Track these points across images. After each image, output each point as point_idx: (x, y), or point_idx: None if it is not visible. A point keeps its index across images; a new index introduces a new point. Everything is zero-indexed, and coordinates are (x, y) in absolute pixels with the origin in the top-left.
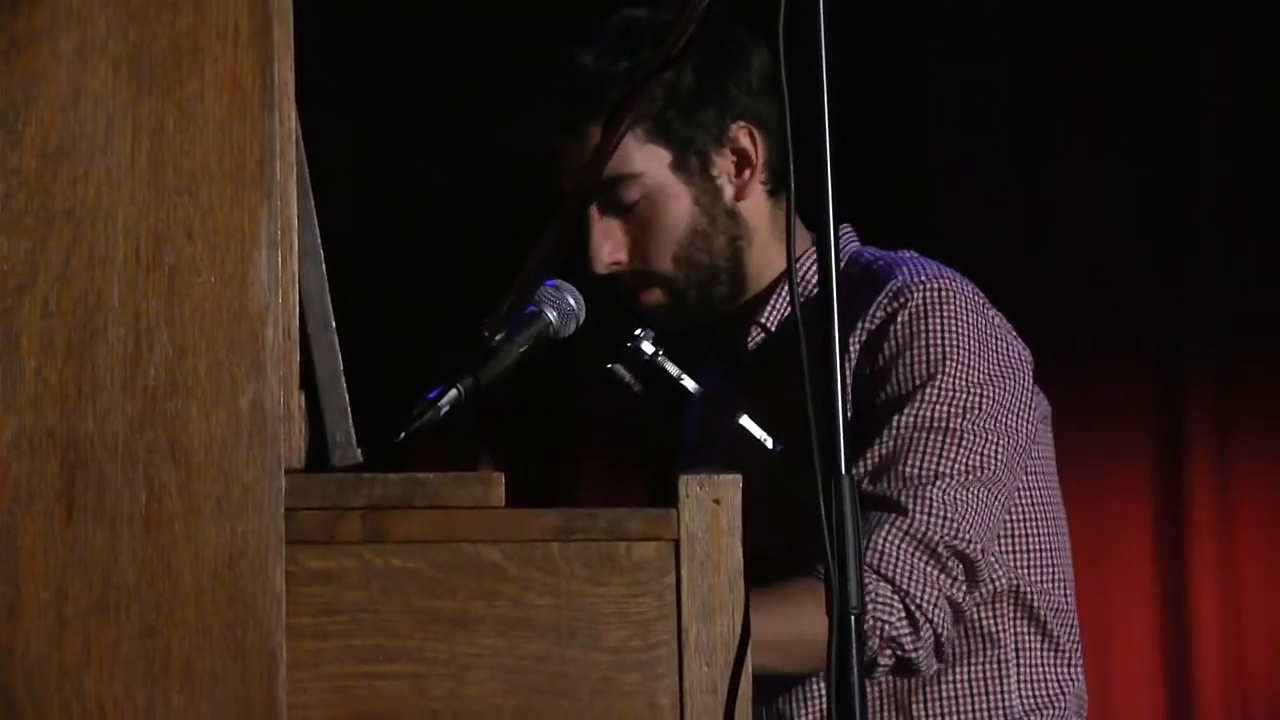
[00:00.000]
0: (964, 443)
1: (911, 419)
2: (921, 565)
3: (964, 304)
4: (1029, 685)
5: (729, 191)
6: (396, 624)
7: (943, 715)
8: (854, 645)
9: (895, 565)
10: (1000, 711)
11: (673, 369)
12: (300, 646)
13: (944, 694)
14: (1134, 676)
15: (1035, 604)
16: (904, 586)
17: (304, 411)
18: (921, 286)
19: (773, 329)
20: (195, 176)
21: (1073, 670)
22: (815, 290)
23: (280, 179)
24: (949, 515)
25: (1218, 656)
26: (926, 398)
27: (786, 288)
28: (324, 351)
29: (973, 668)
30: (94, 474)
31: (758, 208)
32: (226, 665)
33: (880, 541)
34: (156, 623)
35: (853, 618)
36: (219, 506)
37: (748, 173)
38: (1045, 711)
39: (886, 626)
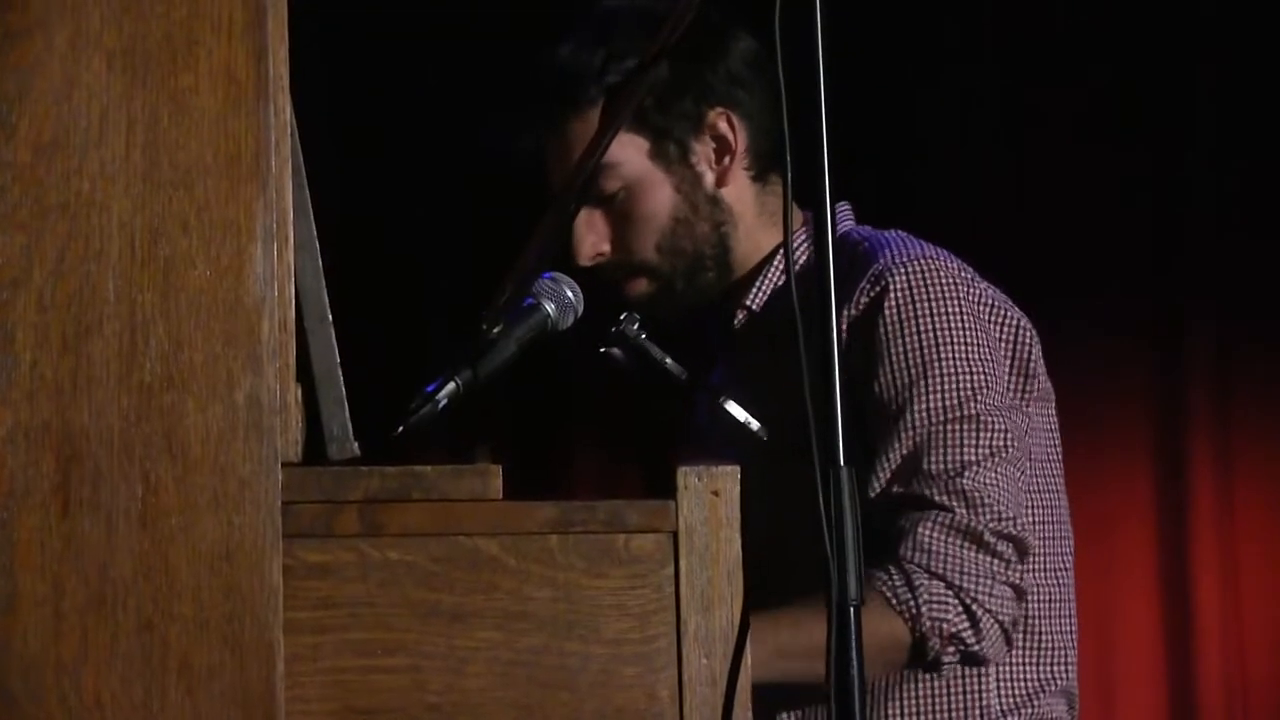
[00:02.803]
0: (982, 426)
1: (925, 413)
2: (972, 556)
3: (949, 281)
4: (1008, 684)
5: (710, 178)
6: (394, 617)
7: (919, 714)
8: (854, 637)
9: (945, 561)
10: (977, 711)
11: (657, 352)
12: (298, 640)
13: (920, 693)
14: (1136, 663)
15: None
16: (957, 582)
17: (301, 405)
18: (903, 269)
19: (757, 310)
20: (190, 170)
21: (1059, 668)
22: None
23: (275, 172)
24: (986, 502)
25: (1218, 643)
26: (932, 388)
27: (771, 270)
28: (321, 345)
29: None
30: (90, 468)
31: (741, 193)
32: (224, 659)
33: (926, 540)
34: (153, 617)
35: (852, 609)
36: (215, 500)
37: (728, 159)
38: (1024, 710)
39: (945, 625)
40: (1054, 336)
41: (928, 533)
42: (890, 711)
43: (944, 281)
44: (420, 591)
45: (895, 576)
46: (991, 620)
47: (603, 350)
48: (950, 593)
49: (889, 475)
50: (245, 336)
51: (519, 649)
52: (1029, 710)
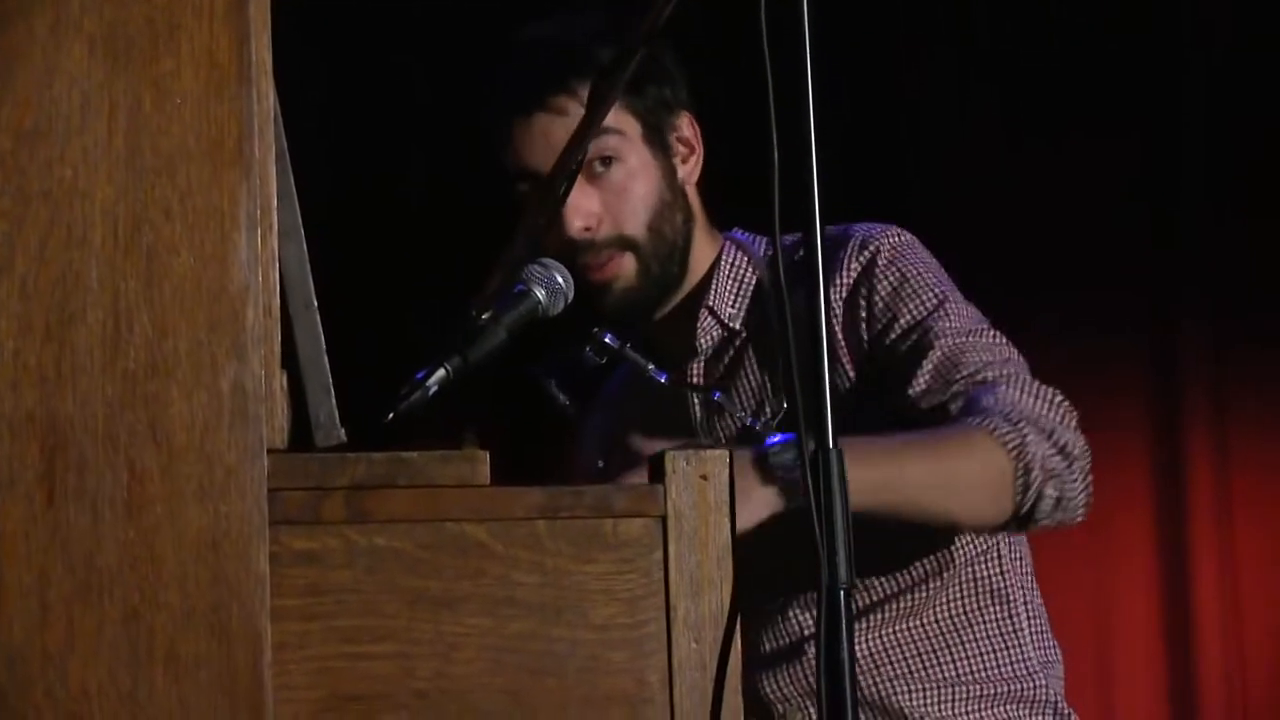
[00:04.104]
0: (999, 340)
1: (952, 330)
2: (1047, 412)
3: (923, 247)
4: (1039, 638)
5: (681, 174)
6: (382, 604)
7: (971, 673)
8: (844, 619)
9: (1030, 412)
10: (1021, 664)
11: (640, 359)
12: (285, 628)
13: (967, 653)
14: (1135, 655)
15: (1028, 558)
16: (1045, 427)
17: (286, 392)
18: (885, 233)
19: (725, 318)
20: (173, 156)
21: (1051, 638)
22: (754, 278)
23: (259, 157)
24: (1030, 380)
25: (1218, 635)
26: (953, 313)
27: (721, 277)
28: (306, 331)
29: (988, 625)
30: (75, 457)
31: (694, 198)
32: (211, 648)
33: (1007, 397)
34: (140, 606)
35: (842, 593)
36: (201, 488)
37: (693, 160)
38: (1055, 665)
39: (1045, 460)
40: (1050, 330)
41: (1005, 391)
42: (943, 674)
43: (920, 245)
44: (407, 578)
45: (994, 417)
46: (1079, 465)
47: (544, 383)
48: (1043, 434)
49: (929, 374)
50: (230, 323)
51: (507, 635)
52: (1058, 664)
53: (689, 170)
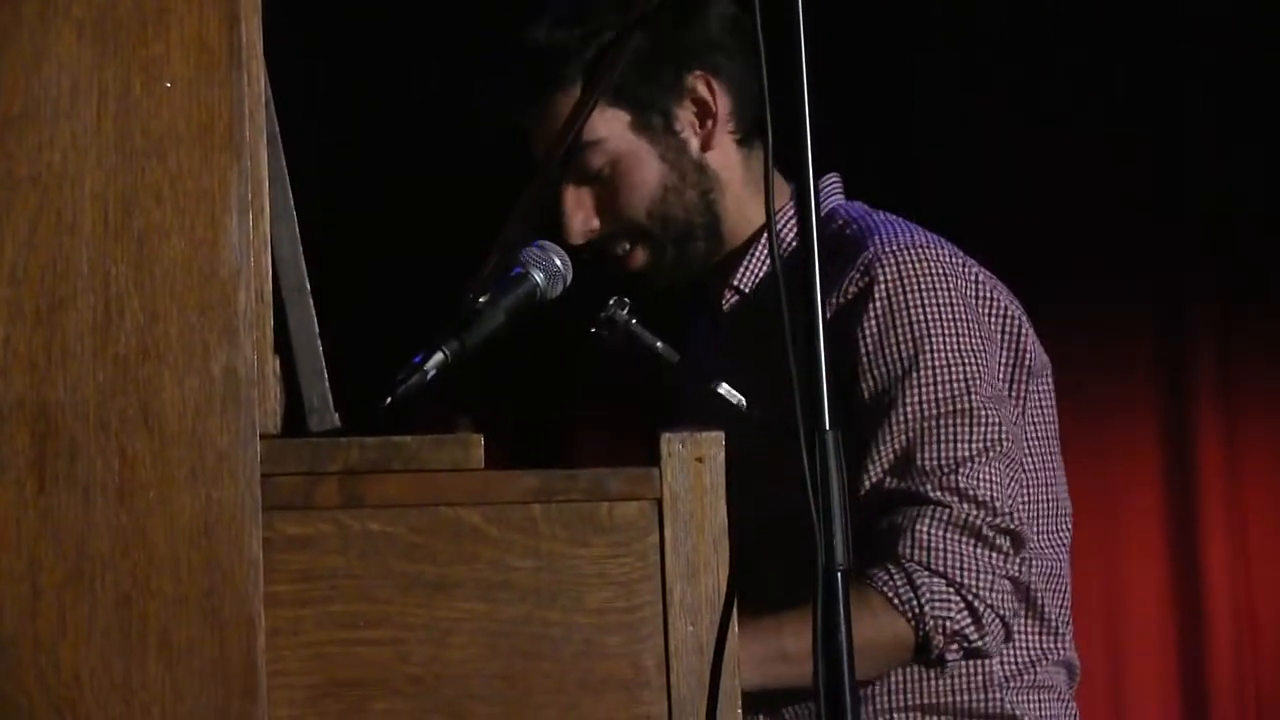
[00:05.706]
0: (976, 420)
1: (917, 406)
2: (972, 551)
3: (939, 271)
4: (1009, 652)
5: (695, 144)
6: (376, 589)
7: (925, 681)
8: (840, 602)
9: (946, 558)
10: (980, 678)
11: (647, 337)
12: (279, 614)
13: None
14: (1145, 631)
15: (1044, 562)
16: (959, 579)
17: (279, 376)
18: (893, 258)
19: (747, 291)
20: (163, 140)
21: (1058, 640)
22: (792, 248)
23: (250, 140)
24: (982, 498)
25: (1228, 612)
26: (924, 380)
27: (759, 248)
28: (298, 315)
29: None
30: (65, 443)
31: (727, 159)
32: (204, 634)
33: (924, 537)
34: (132, 592)
35: (839, 574)
36: (193, 473)
37: (710, 122)
38: (1025, 676)
39: (949, 622)
40: (1057, 310)
41: (926, 529)
42: (896, 679)
43: (934, 271)
44: (401, 563)
45: (896, 576)
46: (993, 615)
47: (593, 331)
48: (952, 590)
49: (881, 470)
50: (221, 307)
51: (501, 619)
52: (1030, 677)
53: (707, 134)
